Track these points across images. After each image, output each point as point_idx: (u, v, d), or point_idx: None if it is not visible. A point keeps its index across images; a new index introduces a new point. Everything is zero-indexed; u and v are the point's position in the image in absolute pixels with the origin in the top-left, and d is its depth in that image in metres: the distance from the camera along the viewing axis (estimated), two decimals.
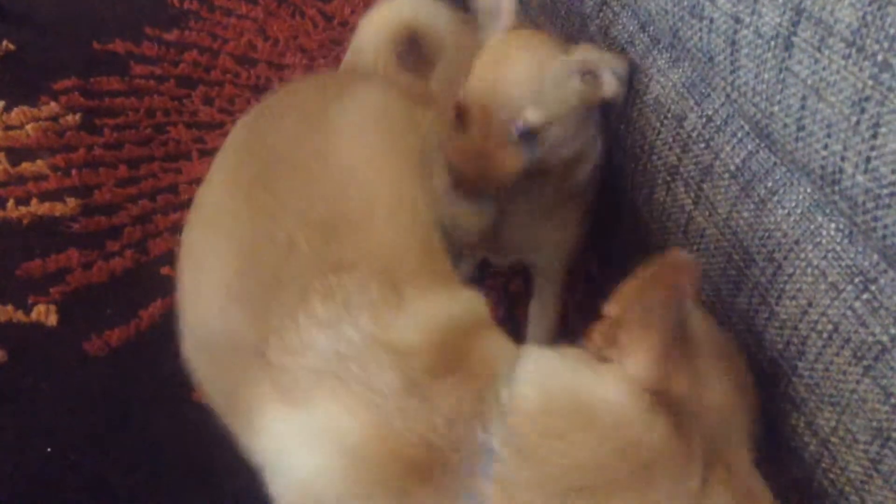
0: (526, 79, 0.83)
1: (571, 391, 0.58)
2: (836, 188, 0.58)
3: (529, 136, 0.83)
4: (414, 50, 0.87)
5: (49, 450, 0.89)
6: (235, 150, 0.78)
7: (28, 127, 1.27)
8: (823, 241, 0.64)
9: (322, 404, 0.58)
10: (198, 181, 1.20)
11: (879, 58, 0.51)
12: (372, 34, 0.87)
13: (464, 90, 0.85)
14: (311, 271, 0.63)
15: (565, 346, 0.64)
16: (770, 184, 0.69)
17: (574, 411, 0.57)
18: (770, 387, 0.72)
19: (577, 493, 0.54)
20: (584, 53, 0.85)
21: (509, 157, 0.84)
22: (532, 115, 0.82)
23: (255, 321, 0.62)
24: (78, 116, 1.30)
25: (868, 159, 0.53)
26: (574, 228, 0.97)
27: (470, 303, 0.66)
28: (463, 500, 0.56)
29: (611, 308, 0.61)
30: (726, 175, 0.74)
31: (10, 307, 1.02)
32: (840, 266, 0.63)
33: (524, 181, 0.87)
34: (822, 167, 0.58)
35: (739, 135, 0.72)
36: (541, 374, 0.60)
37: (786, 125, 0.61)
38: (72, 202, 1.16)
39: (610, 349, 0.60)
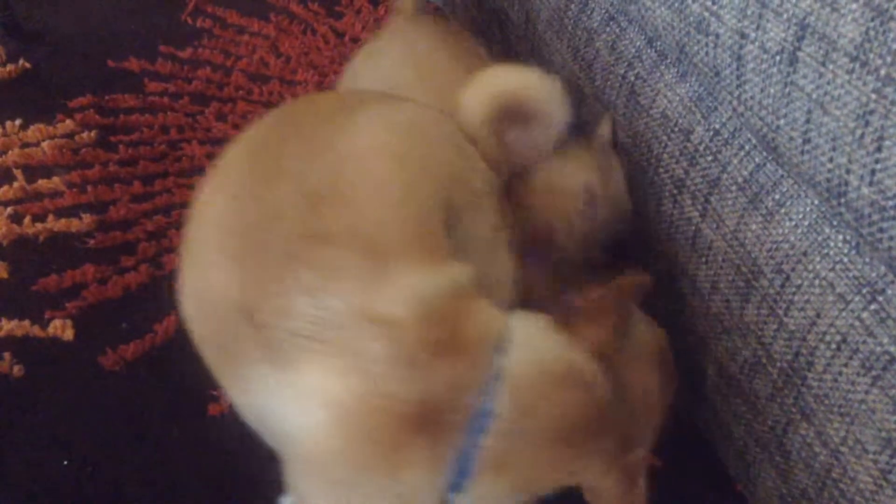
0: None
1: (558, 356, 0.67)
2: (842, 200, 0.58)
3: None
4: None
5: (66, 462, 0.90)
6: (260, 123, 0.79)
7: (44, 144, 1.28)
8: (831, 253, 0.65)
9: (307, 368, 0.61)
10: None
11: (882, 72, 0.51)
12: (477, 107, 0.84)
13: None
14: (296, 238, 0.64)
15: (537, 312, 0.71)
16: (777, 196, 0.70)
17: (562, 373, 0.65)
18: (780, 397, 0.73)
19: (563, 441, 0.64)
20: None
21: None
22: None
23: (245, 282, 0.64)
24: (93, 133, 1.32)
25: (873, 172, 0.54)
26: None
27: (457, 276, 0.68)
28: (458, 451, 0.60)
29: (578, 300, 0.71)
30: (734, 188, 0.74)
31: (26, 322, 1.03)
32: (847, 277, 0.63)
33: None
34: (828, 180, 0.59)
35: (746, 148, 0.73)
36: (532, 342, 0.67)
37: (792, 138, 0.61)
38: (87, 218, 1.17)
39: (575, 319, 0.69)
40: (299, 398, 0.62)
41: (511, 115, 0.85)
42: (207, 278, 0.67)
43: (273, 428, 0.66)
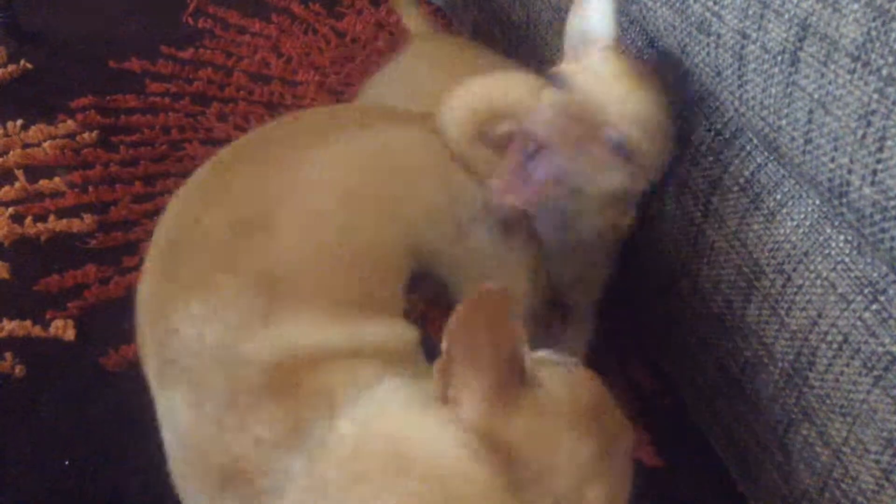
0: None
1: (390, 432, 0.54)
2: (844, 200, 0.58)
3: None
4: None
5: (66, 463, 0.90)
6: (241, 139, 0.79)
7: (45, 145, 1.28)
8: (832, 253, 0.65)
9: (169, 393, 0.61)
10: None
11: (884, 72, 0.51)
12: (458, 119, 0.80)
13: None
14: (209, 263, 0.64)
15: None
16: (779, 196, 0.70)
17: (389, 454, 0.52)
18: (781, 397, 0.73)
19: None
20: None
21: None
22: None
23: (154, 302, 0.65)
24: (94, 134, 1.32)
25: (875, 172, 0.54)
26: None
27: (359, 336, 0.62)
28: None
29: (443, 348, 0.54)
30: (735, 188, 0.74)
31: (28, 322, 1.03)
32: (849, 277, 0.63)
33: None
34: (830, 180, 0.59)
35: (748, 148, 0.73)
36: (367, 412, 0.55)
37: (793, 138, 0.62)
38: (89, 218, 1.17)
39: (446, 388, 0.54)
40: (163, 419, 0.63)
41: (495, 125, 0.80)
42: (141, 288, 0.68)
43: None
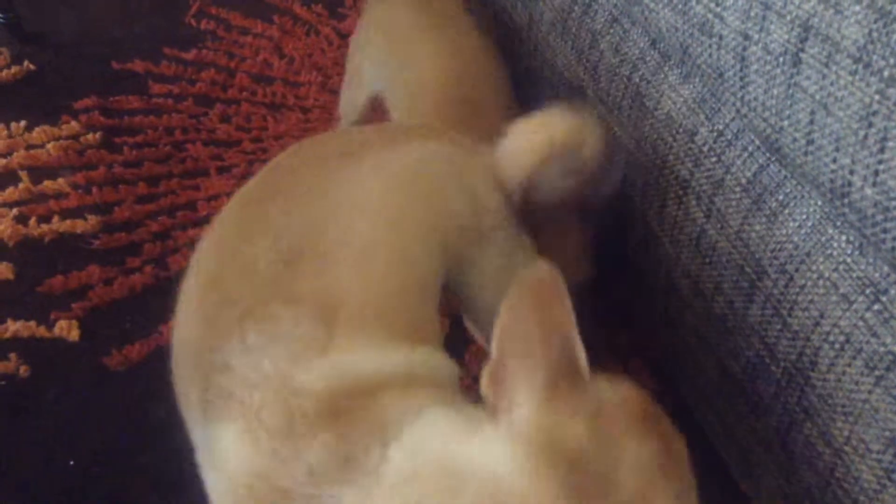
0: None
1: (442, 456, 0.51)
2: (846, 201, 0.58)
3: None
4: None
5: (71, 463, 0.91)
6: (265, 168, 0.78)
7: (49, 146, 1.29)
8: (834, 253, 0.65)
9: (224, 427, 0.58)
10: (216, 197, 1.23)
11: (886, 73, 0.52)
12: (520, 156, 0.80)
13: None
14: (259, 295, 0.63)
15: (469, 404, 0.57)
16: (781, 197, 0.70)
17: (443, 478, 0.50)
18: (783, 397, 0.73)
19: None
20: None
21: None
22: None
23: (203, 335, 0.63)
24: (98, 135, 1.32)
25: (876, 172, 0.54)
26: None
27: (407, 363, 0.62)
28: None
29: (493, 347, 0.51)
30: (737, 189, 0.74)
31: (32, 323, 1.03)
32: (851, 277, 0.63)
33: None
34: (832, 180, 0.59)
35: (750, 149, 0.73)
36: (418, 439, 0.53)
37: (795, 139, 0.62)
38: (92, 219, 1.17)
39: (498, 395, 0.51)
40: (209, 460, 0.60)
41: (556, 161, 0.81)
42: (182, 328, 0.67)
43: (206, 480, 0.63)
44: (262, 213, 0.69)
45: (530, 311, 0.50)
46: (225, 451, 0.58)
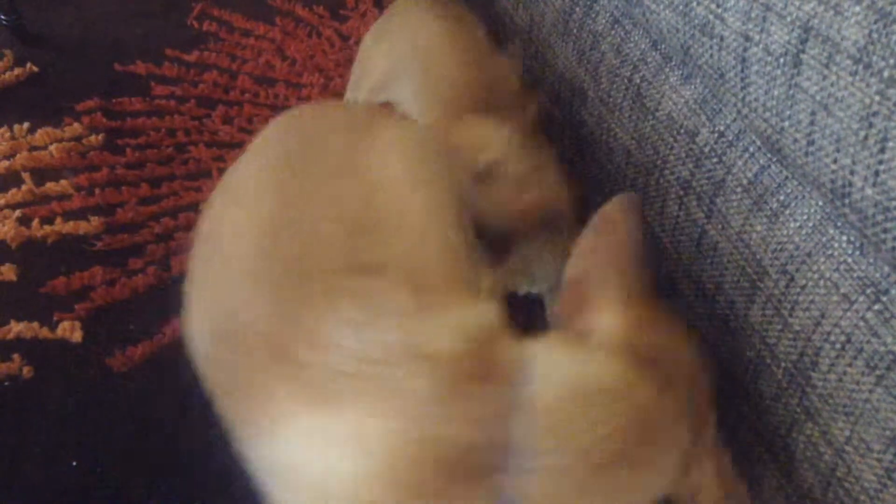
0: None
1: (572, 377, 0.59)
2: (847, 201, 0.58)
3: None
4: None
5: (75, 463, 0.91)
6: (269, 138, 0.78)
7: (52, 147, 1.29)
8: (835, 254, 0.65)
9: (349, 407, 0.57)
10: None
11: (886, 74, 0.52)
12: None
13: None
14: (338, 268, 0.62)
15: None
16: (782, 197, 0.70)
17: (581, 394, 0.57)
18: (785, 397, 0.73)
19: (607, 464, 0.56)
20: None
21: None
22: None
23: (277, 313, 0.60)
24: (101, 137, 1.33)
25: (877, 173, 0.54)
26: None
27: (487, 310, 0.65)
28: (498, 495, 0.55)
29: (570, 270, 0.61)
30: (739, 189, 0.75)
31: (35, 324, 1.04)
32: (852, 278, 0.63)
33: None
34: (832, 181, 0.59)
35: (751, 150, 0.73)
36: (547, 372, 0.59)
37: (796, 140, 0.62)
38: (95, 221, 1.18)
39: (580, 315, 0.60)
40: (337, 443, 0.57)
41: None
42: (228, 302, 0.63)
43: (295, 477, 0.60)
44: (301, 182, 0.69)
45: (610, 233, 0.61)
46: (363, 432, 0.56)
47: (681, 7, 0.74)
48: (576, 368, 0.60)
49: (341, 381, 0.57)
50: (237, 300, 0.63)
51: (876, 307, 0.61)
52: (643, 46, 0.88)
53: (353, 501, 0.56)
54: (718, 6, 0.68)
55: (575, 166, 1.06)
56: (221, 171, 1.29)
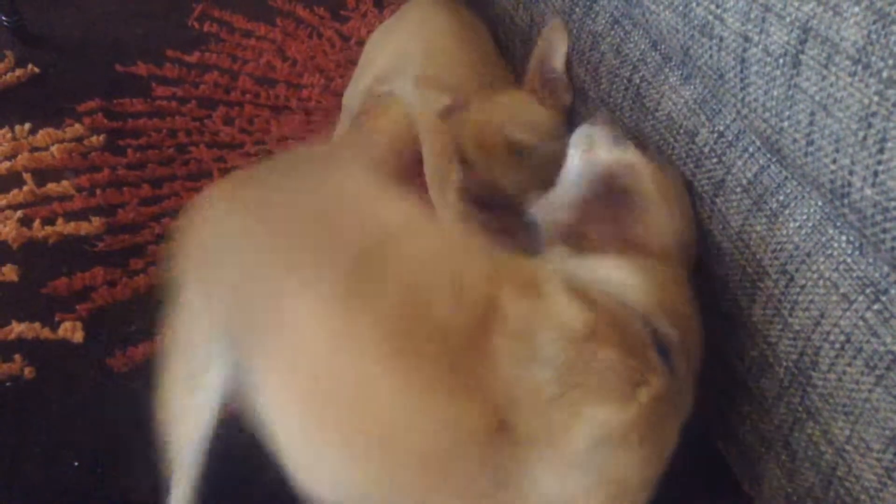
0: None
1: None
2: (846, 201, 0.59)
3: None
4: None
5: (76, 464, 0.91)
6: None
7: (53, 148, 1.29)
8: (835, 254, 0.65)
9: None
10: None
11: (885, 74, 0.52)
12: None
13: None
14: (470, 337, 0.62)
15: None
16: (781, 197, 0.70)
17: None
18: (786, 397, 0.73)
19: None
20: None
21: None
22: None
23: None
24: (102, 137, 1.33)
25: (876, 173, 0.54)
26: None
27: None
28: None
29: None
30: (738, 189, 0.75)
31: (37, 324, 1.04)
32: (851, 277, 0.64)
33: None
34: (832, 181, 0.59)
35: (751, 150, 0.74)
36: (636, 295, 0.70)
37: (795, 140, 0.62)
38: (97, 221, 1.18)
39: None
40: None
41: None
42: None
43: None
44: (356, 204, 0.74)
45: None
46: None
47: (680, 8, 0.74)
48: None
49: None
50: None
51: (875, 307, 0.61)
52: (643, 47, 0.88)
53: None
54: (718, 7, 0.68)
55: None
56: (222, 171, 1.30)
